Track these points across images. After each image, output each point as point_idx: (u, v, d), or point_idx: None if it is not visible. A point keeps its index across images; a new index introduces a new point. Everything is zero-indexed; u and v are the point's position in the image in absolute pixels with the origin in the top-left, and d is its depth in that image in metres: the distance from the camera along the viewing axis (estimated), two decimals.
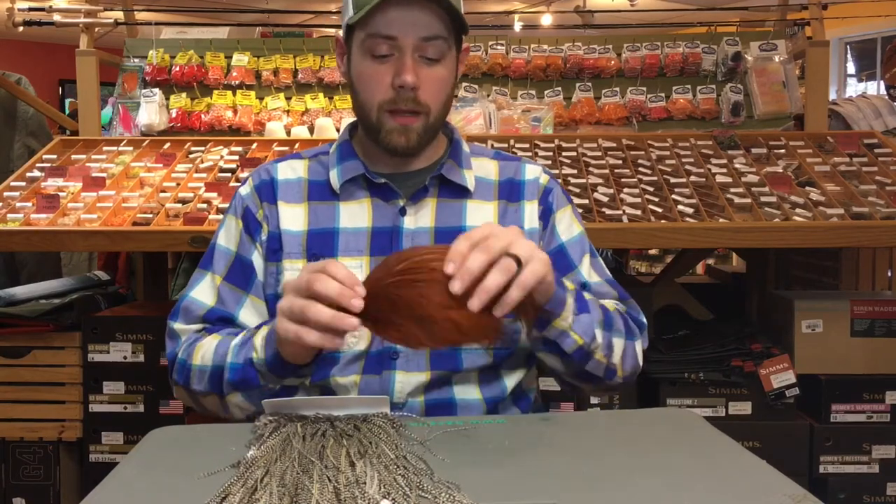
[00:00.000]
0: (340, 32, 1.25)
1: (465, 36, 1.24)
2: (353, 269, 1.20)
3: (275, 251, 1.24)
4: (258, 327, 1.15)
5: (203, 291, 1.26)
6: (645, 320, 1.28)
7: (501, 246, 0.94)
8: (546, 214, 1.29)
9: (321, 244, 1.23)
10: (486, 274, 0.92)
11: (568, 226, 1.30)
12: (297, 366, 1.08)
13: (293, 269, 1.22)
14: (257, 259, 1.25)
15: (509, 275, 0.93)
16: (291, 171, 1.29)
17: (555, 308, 1.07)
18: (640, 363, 1.24)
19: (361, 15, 1.14)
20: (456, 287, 0.91)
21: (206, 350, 1.19)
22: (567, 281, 1.14)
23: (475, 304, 0.91)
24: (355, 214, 1.24)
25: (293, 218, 1.25)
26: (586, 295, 1.15)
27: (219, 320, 1.25)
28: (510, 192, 1.29)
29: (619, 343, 1.18)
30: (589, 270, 1.29)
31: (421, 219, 1.24)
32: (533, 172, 1.31)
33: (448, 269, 0.91)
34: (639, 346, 1.24)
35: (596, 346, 1.13)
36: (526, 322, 1.08)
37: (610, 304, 1.24)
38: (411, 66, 1.15)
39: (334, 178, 1.25)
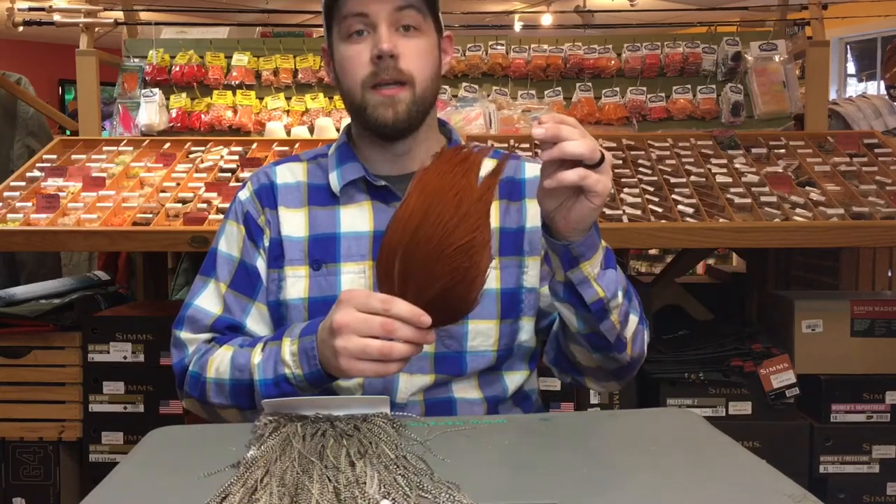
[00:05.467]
0: (325, 43, 1.26)
1: (441, 14, 1.23)
2: (356, 274, 1.20)
3: (276, 258, 1.23)
4: (277, 338, 1.14)
5: (208, 299, 1.24)
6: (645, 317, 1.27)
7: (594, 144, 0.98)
8: None
9: (323, 250, 1.22)
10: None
11: None
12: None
13: (295, 276, 1.21)
14: (262, 265, 1.24)
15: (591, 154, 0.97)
16: (291, 174, 1.28)
17: (585, 251, 1.06)
18: (645, 351, 1.23)
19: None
20: (539, 133, 0.95)
21: (220, 362, 1.17)
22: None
23: (547, 155, 0.96)
24: (356, 218, 1.23)
25: (294, 223, 1.24)
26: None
27: (227, 329, 1.23)
28: (511, 190, 1.28)
29: (633, 319, 1.16)
30: None
31: None
32: (533, 171, 1.31)
33: (538, 132, 0.96)
34: (646, 334, 1.23)
35: (615, 305, 1.10)
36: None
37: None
38: (387, 36, 1.15)
39: (334, 181, 1.24)
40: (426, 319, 0.95)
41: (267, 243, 1.24)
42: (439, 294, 0.95)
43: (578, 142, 0.96)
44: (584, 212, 1.01)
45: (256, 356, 1.14)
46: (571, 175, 0.97)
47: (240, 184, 1.33)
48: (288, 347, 1.10)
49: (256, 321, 1.24)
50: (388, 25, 1.15)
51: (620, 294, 1.10)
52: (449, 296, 0.95)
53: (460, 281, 0.95)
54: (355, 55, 1.17)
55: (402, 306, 0.96)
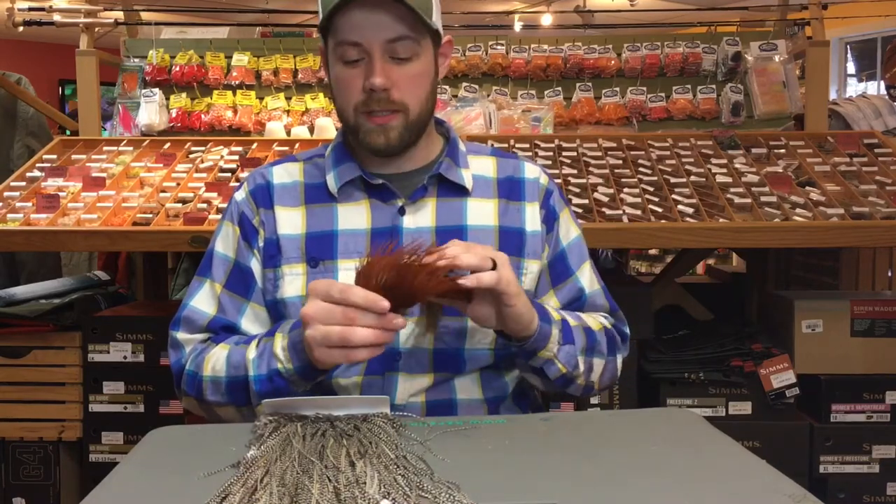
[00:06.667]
0: (322, 43, 1.25)
1: (442, 33, 1.23)
2: (353, 271, 1.20)
3: (272, 257, 1.23)
4: (270, 334, 1.15)
5: (203, 300, 1.25)
6: (628, 331, 1.34)
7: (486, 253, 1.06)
8: (550, 219, 1.30)
9: (320, 247, 1.22)
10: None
11: (567, 230, 1.31)
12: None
13: (292, 274, 1.22)
14: (255, 266, 1.25)
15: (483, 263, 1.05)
16: (287, 174, 1.28)
17: (539, 344, 1.14)
18: (619, 374, 1.31)
19: (324, 20, 1.15)
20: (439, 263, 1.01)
21: (216, 360, 1.18)
22: (553, 310, 1.18)
23: (432, 259, 1.01)
24: (354, 216, 1.23)
25: (291, 222, 1.24)
26: (571, 322, 1.19)
27: (222, 329, 1.24)
28: (510, 190, 1.28)
29: (599, 363, 1.23)
30: (590, 279, 1.31)
31: (421, 218, 1.23)
32: (532, 172, 1.31)
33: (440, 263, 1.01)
34: (619, 360, 1.30)
35: (578, 374, 1.20)
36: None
37: (597, 322, 1.26)
38: (380, 69, 1.15)
39: (331, 182, 1.25)
40: (384, 304, 0.98)
41: (262, 244, 1.25)
42: (393, 278, 1.00)
43: (469, 254, 1.04)
44: (512, 314, 1.08)
45: (251, 352, 1.15)
46: (487, 278, 1.04)
47: (239, 184, 1.34)
48: (280, 342, 1.11)
49: (251, 321, 1.24)
50: (382, 55, 1.15)
51: (581, 360, 1.19)
52: (402, 278, 1.00)
53: (415, 269, 1.01)
54: (349, 80, 1.18)
55: (357, 293, 0.99)
